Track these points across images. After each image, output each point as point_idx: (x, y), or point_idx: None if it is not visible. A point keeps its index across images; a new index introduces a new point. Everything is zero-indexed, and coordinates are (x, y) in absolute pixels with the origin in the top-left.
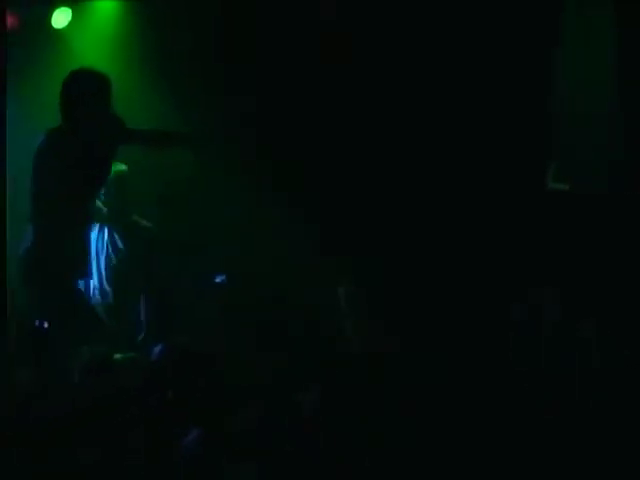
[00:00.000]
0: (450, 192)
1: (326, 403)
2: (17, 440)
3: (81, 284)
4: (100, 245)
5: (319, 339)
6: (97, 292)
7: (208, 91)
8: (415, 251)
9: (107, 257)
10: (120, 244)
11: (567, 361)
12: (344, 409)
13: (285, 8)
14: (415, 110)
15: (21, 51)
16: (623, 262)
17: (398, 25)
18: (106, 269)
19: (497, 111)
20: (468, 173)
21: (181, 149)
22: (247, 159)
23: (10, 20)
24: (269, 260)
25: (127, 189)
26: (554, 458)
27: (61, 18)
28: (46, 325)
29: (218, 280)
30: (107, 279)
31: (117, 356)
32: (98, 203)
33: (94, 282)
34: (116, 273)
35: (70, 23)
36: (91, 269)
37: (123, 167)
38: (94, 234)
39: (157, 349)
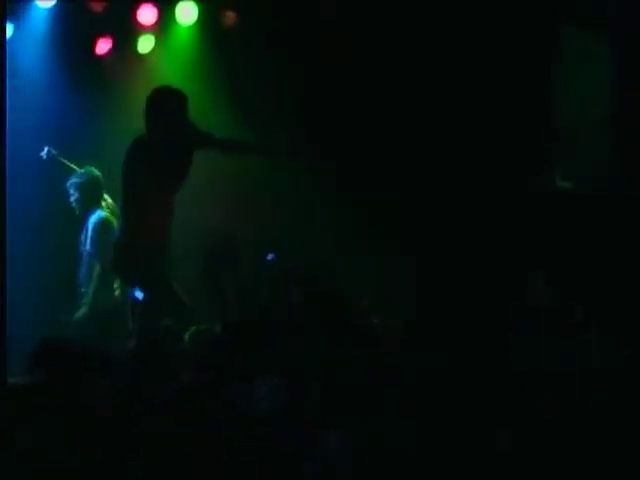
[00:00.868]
0: (457, 192)
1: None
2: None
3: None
4: None
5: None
6: None
7: (278, 108)
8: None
9: None
10: None
11: (567, 361)
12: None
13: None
14: (433, 115)
15: (112, 71)
16: (623, 261)
17: (418, 41)
18: None
19: (507, 118)
20: (474, 174)
21: (253, 157)
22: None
23: (104, 45)
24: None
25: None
26: (554, 457)
27: (146, 44)
28: (140, 296)
29: (269, 259)
30: None
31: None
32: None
33: None
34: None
35: (153, 48)
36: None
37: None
38: None
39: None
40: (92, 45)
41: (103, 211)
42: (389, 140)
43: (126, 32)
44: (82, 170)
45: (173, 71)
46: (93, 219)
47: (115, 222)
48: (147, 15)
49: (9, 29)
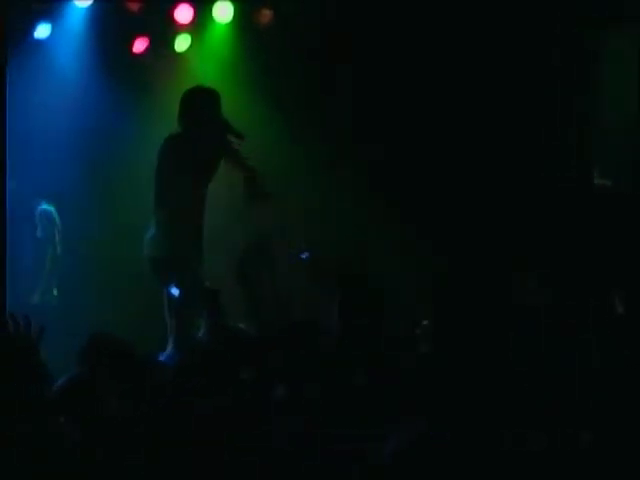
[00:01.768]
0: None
1: None
2: None
3: None
4: None
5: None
6: None
7: (312, 107)
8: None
9: None
10: None
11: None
12: None
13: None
14: (473, 115)
15: (149, 70)
16: None
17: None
18: None
19: (542, 116)
20: (507, 172)
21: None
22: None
23: (141, 44)
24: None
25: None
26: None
27: (182, 43)
28: (176, 293)
29: (303, 257)
30: None
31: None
32: None
33: None
34: None
35: (189, 47)
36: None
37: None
38: None
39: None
40: (129, 44)
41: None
42: (430, 138)
43: (163, 31)
44: None
45: (209, 69)
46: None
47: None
48: (184, 14)
49: (47, 29)
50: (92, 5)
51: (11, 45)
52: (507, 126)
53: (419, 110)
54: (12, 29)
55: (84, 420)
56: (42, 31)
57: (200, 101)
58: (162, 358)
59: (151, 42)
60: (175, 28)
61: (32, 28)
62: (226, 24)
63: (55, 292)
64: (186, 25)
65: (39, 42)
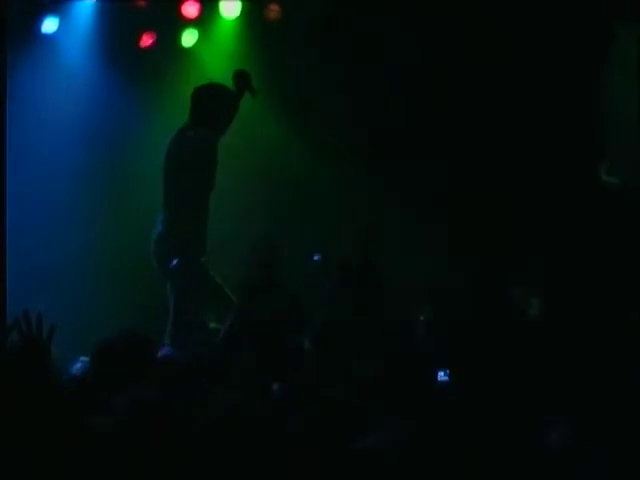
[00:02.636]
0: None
1: None
2: None
3: None
4: None
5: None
6: None
7: (320, 101)
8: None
9: None
10: None
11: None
12: None
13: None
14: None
15: (156, 65)
16: None
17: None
18: None
19: (557, 115)
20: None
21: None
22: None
23: (148, 39)
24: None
25: None
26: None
27: (189, 38)
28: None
29: (316, 258)
30: None
31: None
32: None
33: None
34: None
35: (197, 42)
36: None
37: None
38: None
39: None
40: (136, 39)
41: None
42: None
43: (170, 26)
44: None
45: (217, 65)
46: None
47: None
48: (191, 9)
49: (54, 23)
50: (99, 0)
51: (18, 40)
52: (516, 125)
53: (432, 110)
54: (19, 24)
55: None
56: (49, 26)
57: (211, 98)
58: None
59: (158, 37)
60: (182, 23)
61: (39, 23)
62: (233, 19)
63: None
64: (193, 20)
65: (46, 37)
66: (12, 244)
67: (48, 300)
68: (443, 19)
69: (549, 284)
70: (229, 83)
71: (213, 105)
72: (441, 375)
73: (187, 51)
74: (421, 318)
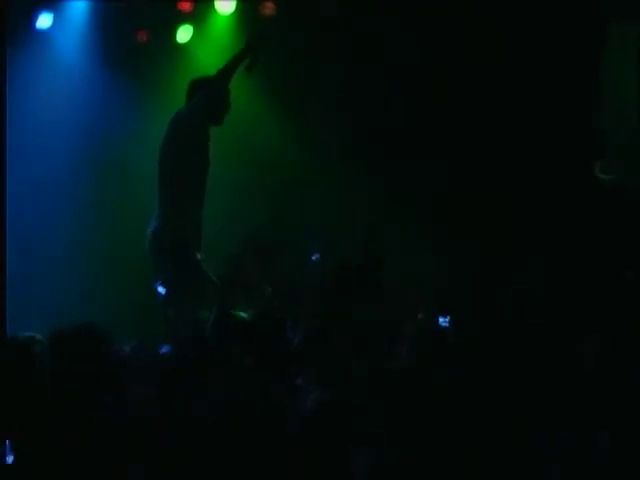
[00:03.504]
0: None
1: None
2: None
3: None
4: None
5: None
6: None
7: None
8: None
9: None
10: None
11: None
12: None
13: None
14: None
15: (151, 61)
16: None
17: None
18: None
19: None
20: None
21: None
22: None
23: (143, 35)
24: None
25: None
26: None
27: (184, 34)
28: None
29: (314, 258)
30: None
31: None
32: None
33: None
34: None
35: (192, 38)
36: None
37: None
38: None
39: None
40: (132, 35)
41: None
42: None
43: (165, 21)
44: None
45: (212, 60)
46: None
47: None
48: (186, 5)
49: (48, 19)
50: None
51: (12, 35)
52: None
53: (432, 110)
54: (13, 19)
55: None
56: (44, 21)
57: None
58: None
59: (153, 33)
60: (177, 19)
61: (34, 18)
62: (228, 15)
63: None
64: (188, 16)
65: (41, 32)
66: (10, 240)
67: (47, 296)
68: (443, 19)
69: (549, 284)
70: None
71: (203, 94)
72: (442, 320)
73: (182, 47)
74: (419, 316)
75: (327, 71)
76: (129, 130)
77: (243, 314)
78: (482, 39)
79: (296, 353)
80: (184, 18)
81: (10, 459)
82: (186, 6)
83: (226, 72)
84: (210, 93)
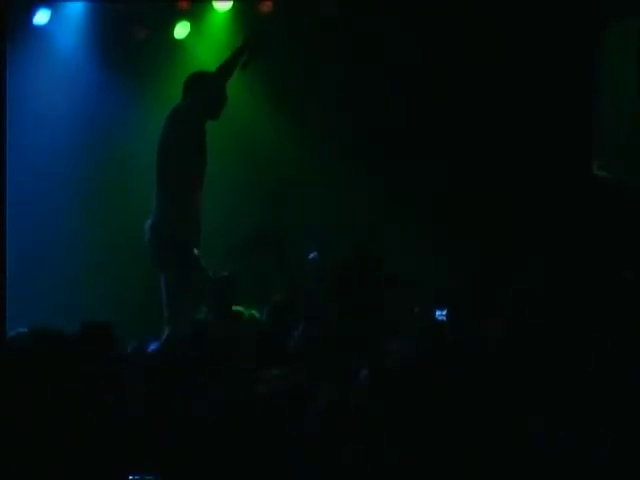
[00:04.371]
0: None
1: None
2: None
3: None
4: None
5: None
6: None
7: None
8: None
9: None
10: None
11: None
12: None
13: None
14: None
15: (149, 57)
16: None
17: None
18: None
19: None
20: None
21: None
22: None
23: (141, 31)
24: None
25: None
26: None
27: (181, 30)
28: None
29: (311, 256)
30: None
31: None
32: None
33: None
34: None
35: (189, 34)
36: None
37: None
38: None
39: None
40: (129, 31)
41: None
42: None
43: (163, 18)
44: None
45: (209, 57)
46: None
47: None
48: (184, 2)
49: (46, 15)
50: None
51: (10, 31)
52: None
53: (431, 110)
54: (10, 15)
55: None
56: (41, 17)
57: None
58: (154, 346)
59: (151, 29)
60: (175, 15)
61: (31, 14)
62: (225, 12)
63: None
64: (186, 12)
65: (38, 28)
66: (9, 237)
67: (46, 292)
68: (443, 19)
69: (549, 283)
70: None
71: (200, 88)
72: (439, 314)
73: (179, 43)
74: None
75: (327, 71)
76: (127, 125)
77: (240, 308)
78: (482, 39)
79: (296, 353)
80: (182, 14)
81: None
82: (184, 3)
83: (224, 69)
84: (207, 89)
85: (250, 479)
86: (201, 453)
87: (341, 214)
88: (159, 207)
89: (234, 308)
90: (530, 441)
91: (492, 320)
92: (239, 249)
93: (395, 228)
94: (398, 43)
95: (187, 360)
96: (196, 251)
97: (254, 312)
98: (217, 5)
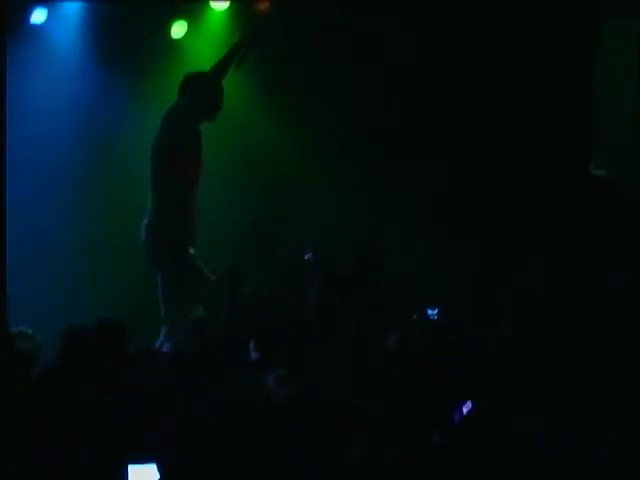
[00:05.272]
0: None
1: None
2: None
3: None
4: None
5: None
6: None
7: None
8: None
9: None
10: None
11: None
12: None
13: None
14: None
15: (146, 57)
16: None
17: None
18: None
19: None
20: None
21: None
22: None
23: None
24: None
25: None
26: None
27: (178, 30)
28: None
29: (306, 257)
30: None
31: None
32: None
33: None
34: None
35: (186, 34)
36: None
37: None
38: None
39: None
40: (126, 30)
41: None
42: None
43: (160, 17)
44: None
45: (206, 56)
46: None
47: None
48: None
49: (43, 14)
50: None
51: (7, 30)
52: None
53: (432, 110)
54: (7, 14)
55: None
56: (38, 16)
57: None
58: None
59: (148, 27)
60: (172, 14)
61: (28, 13)
62: (223, 11)
63: None
64: (183, 11)
65: (35, 27)
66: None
67: (45, 289)
68: (443, 19)
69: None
70: None
71: (196, 88)
72: (431, 313)
73: (176, 42)
74: (414, 317)
75: (327, 71)
76: (125, 124)
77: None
78: (482, 39)
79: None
80: (179, 14)
81: None
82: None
83: (219, 68)
84: (203, 89)
85: (250, 479)
86: (201, 453)
87: (341, 214)
88: (154, 207)
89: None
90: (530, 441)
91: (502, 320)
92: (236, 249)
93: (395, 228)
94: (398, 43)
95: (187, 360)
96: (192, 250)
97: None
98: (214, 4)
